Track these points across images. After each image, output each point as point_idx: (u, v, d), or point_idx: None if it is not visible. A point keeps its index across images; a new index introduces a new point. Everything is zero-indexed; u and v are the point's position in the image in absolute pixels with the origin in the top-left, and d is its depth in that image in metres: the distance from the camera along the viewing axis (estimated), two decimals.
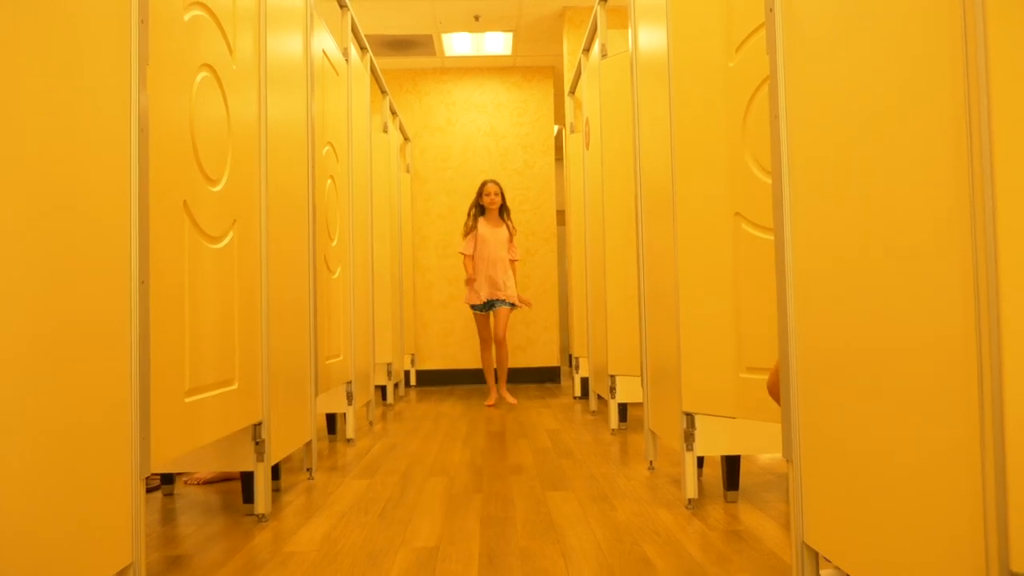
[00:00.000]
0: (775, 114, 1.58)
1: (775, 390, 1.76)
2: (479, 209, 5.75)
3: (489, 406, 5.59)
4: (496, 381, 5.85)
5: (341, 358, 3.78)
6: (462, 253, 5.76)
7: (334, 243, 3.70)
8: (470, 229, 5.73)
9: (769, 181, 2.18)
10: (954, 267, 1.00)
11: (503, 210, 5.78)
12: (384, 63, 7.56)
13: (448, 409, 5.57)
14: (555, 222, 7.82)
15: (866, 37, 1.22)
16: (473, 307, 5.76)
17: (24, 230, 1.23)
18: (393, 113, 6.29)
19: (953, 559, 1.02)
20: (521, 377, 7.54)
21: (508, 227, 5.76)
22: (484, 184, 5.75)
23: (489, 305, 5.71)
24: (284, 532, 2.32)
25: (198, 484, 3.04)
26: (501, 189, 5.77)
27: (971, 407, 0.98)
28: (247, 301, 2.34)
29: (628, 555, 2.03)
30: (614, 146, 4.19)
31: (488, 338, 5.79)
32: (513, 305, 5.68)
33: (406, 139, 7.23)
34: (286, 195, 2.74)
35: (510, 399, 5.73)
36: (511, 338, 8.15)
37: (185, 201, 1.91)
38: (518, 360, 7.57)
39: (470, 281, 5.70)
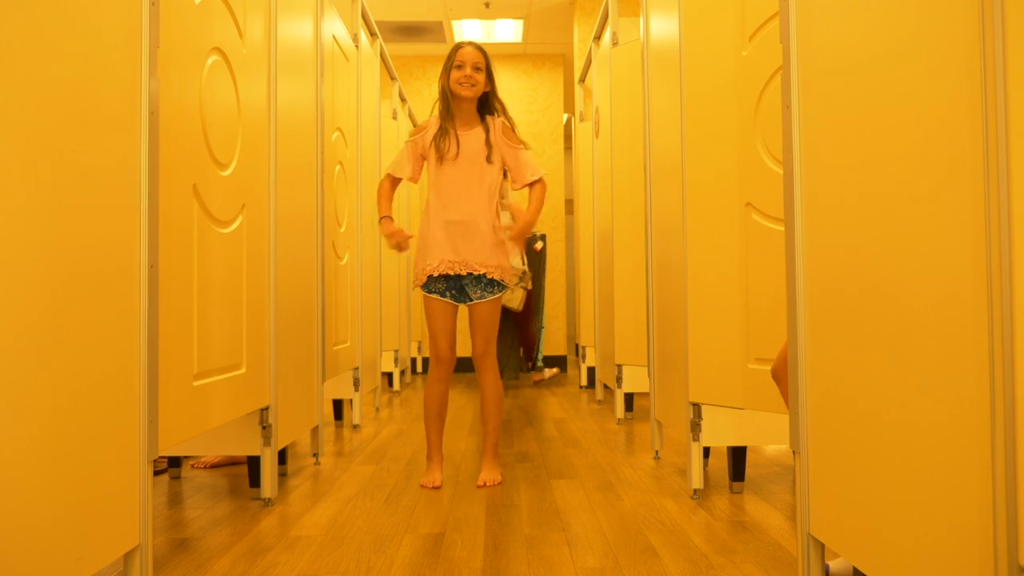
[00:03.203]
0: (787, 104, 1.57)
1: (779, 373, 1.76)
2: (445, 98, 2.87)
3: (430, 487, 2.73)
4: (482, 445, 2.97)
5: (348, 344, 3.79)
6: (388, 174, 2.92)
7: (342, 229, 3.70)
8: (420, 129, 2.94)
9: (780, 171, 2.17)
10: (966, 259, 1.00)
11: (487, 105, 2.92)
12: (394, 49, 7.54)
13: (455, 396, 5.57)
14: (564, 211, 7.81)
15: (880, 28, 1.21)
16: (424, 288, 2.85)
17: (34, 213, 1.23)
18: (403, 99, 6.28)
19: (961, 552, 1.02)
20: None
21: (488, 136, 2.87)
22: (457, 48, 2.87)
23: (456, 288, 2.83)
24: (290, 516, 2.33)
25: (205, 468, 3.05)
26: (488, 63, 2.90)
27: (982, 400, 0.97)
28: (255, 286, 2.34)
29: (633, 544, 2.03)
30: (624, 135, 4.17)
31: (445, 354, 2.85)
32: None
33: (415, 126, 7.22)
34: (295, 180, 2.73)
35: (493, 475, 2.80)
36: None
37: (195, 185, 1.91)
38: None
39: (387, 226, 2.85)
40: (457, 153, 2.82)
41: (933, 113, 1.07)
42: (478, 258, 2.80)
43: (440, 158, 2.83)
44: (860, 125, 1.29)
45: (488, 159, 2.84)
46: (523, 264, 5.96)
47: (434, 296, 2.82)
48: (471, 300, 2.83)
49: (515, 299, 5.90)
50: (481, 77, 2.85)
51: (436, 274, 2.80)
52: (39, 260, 1.24)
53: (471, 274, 2.81)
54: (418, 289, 2.87)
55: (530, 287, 6.05)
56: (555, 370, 6.56)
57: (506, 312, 6.07)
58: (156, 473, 2.92)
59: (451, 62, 2.85)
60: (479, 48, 2.88)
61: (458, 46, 2.87)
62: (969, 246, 0.99)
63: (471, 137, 2.86)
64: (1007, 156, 0.93)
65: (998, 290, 0.94)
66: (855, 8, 1.30)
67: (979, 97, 0.97)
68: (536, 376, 6.38)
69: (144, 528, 1.57)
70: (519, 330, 6.25)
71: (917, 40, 1.11)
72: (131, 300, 1.54)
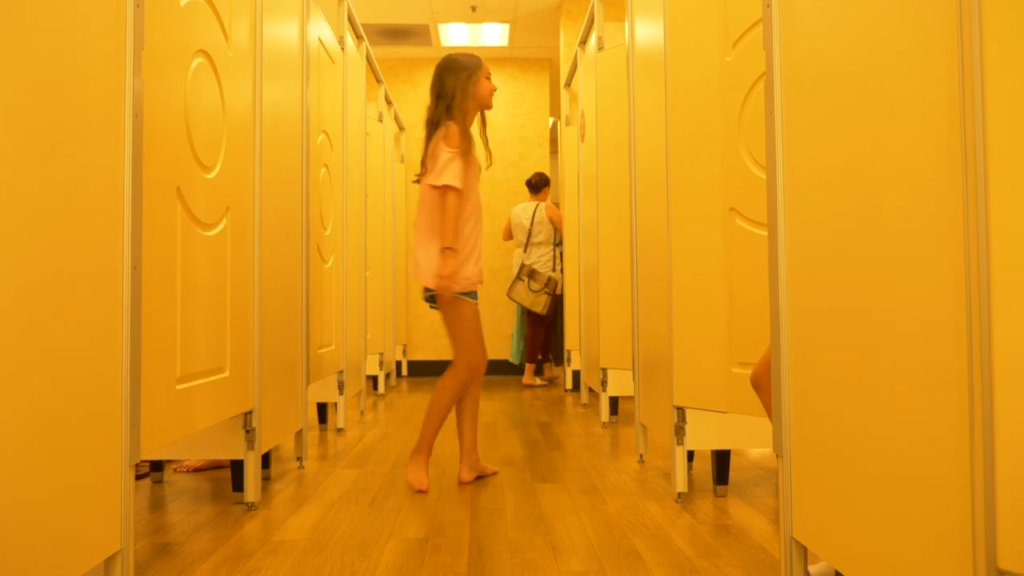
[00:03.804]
0: (770, 109, 1.58)
1: (759, 382, 1.77)
2: (476, 108, 2.91)
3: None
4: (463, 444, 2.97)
5: (333, 347, 3.78)
6: (448, 184, 2.76)
7: (327, 232, 3.69)
8: (461, 140, 2.82)
9: (764, 176, 2.18)
10: (946, 265, 1.01)
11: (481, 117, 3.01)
12: (380, 52, 7.53)
13: None
14: None
15: (862, 34, 1.22)
16: (470, 295, 2.89)
17: (14, 214, 1.22)
18: (388, 103, 6.27)
19: (941, 555, 1.03)
20: (515, 369, 7.53)
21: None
22: (479, 59, 2.93)
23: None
24: (273, 521, 2.32)
25: (188, 472, 3.03)
26: None
27: (961, 405, 0.98)
28: (239, 289, 2.33)
29: (617, 548, 2.04)
30: (609, 139, 4.19)
31: (481, 365, 2.94)
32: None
33: (401, 129, 7.21)
34: (280, 183, 2.73)
35: (490, 467, 3.04)
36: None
37: (178, 188, 1.90)
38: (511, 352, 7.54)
39: (452, 250, 2.76)
40: (476, 174, 2.92)
41: (914, 120, 1.08)
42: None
43: (474, 174, 2.89)
44: (842, 131, 1.30)
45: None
46: (554, 270, 6.24)
47: (474, 302, 2.90)
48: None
49: (539, 303, 6.23)
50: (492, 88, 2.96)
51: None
52: (19, 261, 1.23)
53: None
54: (450, 295, 2.84)
55: (559, 292, 6.25)
56: (545, 382, 6.70)
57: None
58: (138, 477, 2.90)
59: (481, 72, 2.89)
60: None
61: (478, 57, 2.93)
62: (949, 253, 1.00)
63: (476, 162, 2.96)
64: (984, 165, 0.94)
65: (976, 297, 0.95)
66: (837, 15, 1.31)
67: (958, 105, 0.98)
68: (528, 380, 6.55)
69: (126, 533, 1.56)
70: (535, 330, 6.50)
71: (899, 48, 1.12)
72: (113, 303, 1.53)
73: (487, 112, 2.98)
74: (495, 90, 2.93)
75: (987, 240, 0.94)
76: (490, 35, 7.29)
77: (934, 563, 1.04)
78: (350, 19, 4.33)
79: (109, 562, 1.55)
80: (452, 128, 2.82)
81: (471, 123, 2.91)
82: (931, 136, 1.04)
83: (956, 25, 0.98)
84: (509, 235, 6.61)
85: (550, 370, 6.89)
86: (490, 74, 2.93)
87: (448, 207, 2.76)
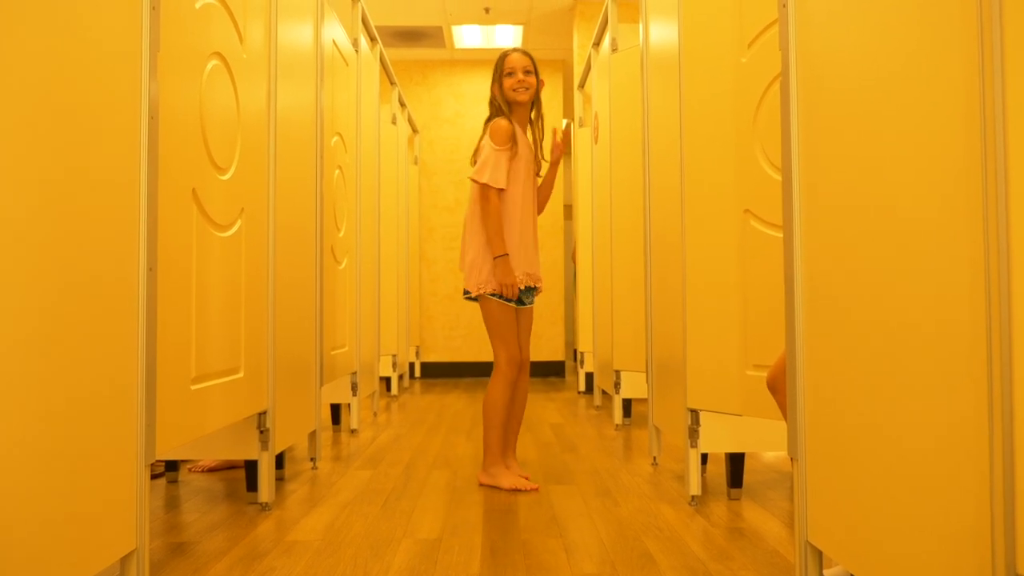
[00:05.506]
0: (786, 111, 1.57)
1: (775, 384, 1.76)
2: (503, 106, 2.90)
3: (515, 490, 2.74)
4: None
5: (346, 349, 3.79)
6: (487, 183, 2.83)
7: (341, 234, 3.70)
8: (507, 137, 2.85)
9: (779, 178, 2.17)
10: (963, 265, 1.00)
11: (535, 110, 3.02)
12: (394, 54, 7.55)
13: (452, 401, 5.57)
14: (563, 216, 7.81)
15: (878, 33, 1.21)
16: (511, 300, 2.88)
17: (32, 216, 1.23)
18: (402, 104, 6.28)
19: (958, 559, 1.02)
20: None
21: (538, 144, 3.05)
22: (506, 55, 2.92)
23: (520, 297, 2.95)
24: (287, 521, 2.32)
25: (202, 472, 3.04)
26: (536, 67, 2.93)
27: (980, 407, 0.97)
28: (254, 290, 2.34)
29: (630, 551, 2.03)
30: (623, 141, 4.18)
31: (518, 360, 2.91)
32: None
33: (414, 131, 7.23)
34: (294, 185, 2.74)
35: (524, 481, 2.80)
36: None
37: (194, 189, 1.91)
38: None
39: (499, 247, 2.83)
40: (526, 164, 2.98)
41: (932, 120, 1.07)
42: (537, 269, 3.01)
43: (517, 167, 2.94)
44: (859, 132, 1.29)
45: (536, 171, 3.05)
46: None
47: (512, 306, 2.92)
48: (527, 301, 2.99)
49: None
50: (532, 83, 2.94)
51: (523, 288, 2.95)
52: (37, 263, 1.24)
53: (533, 287, 3.02)
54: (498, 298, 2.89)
55: None
56: None
57: None
58: (153, 477, 2.92)
59: (501, 70, 2.93)
60: (529, 56, 2.95)
61: (502, 53, 2.96)
62: (967, 254, 0.99)
63: (531, 149, 3.02)
64: (1005, 169, 0.93)
65: (996, 297, 0.94)
66: (854, 15, 1.30)
67: (978, 108, 0.97)
68: None
69: (141, 532, 1.57)
70: None
71: (915, 46, 1.11)
72: (130, 304, 1.54)
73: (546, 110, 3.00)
74: (519, 83, 2.88)
75: (1007, 242, 0.93)
76: (503, 37, 7.30)
77: (952, 568, 1.03)
78: (364, 21, 4.34)
79: (125, 561, 1.55)
80: (497, 123, 2.88)
81: (515, 114, 2.93)
82: (949, 136, 1.03)
83: (976, 23, 0.97)
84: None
85: None
86: (513, 68, 2.89)
87: (489, 207, 2.84)
